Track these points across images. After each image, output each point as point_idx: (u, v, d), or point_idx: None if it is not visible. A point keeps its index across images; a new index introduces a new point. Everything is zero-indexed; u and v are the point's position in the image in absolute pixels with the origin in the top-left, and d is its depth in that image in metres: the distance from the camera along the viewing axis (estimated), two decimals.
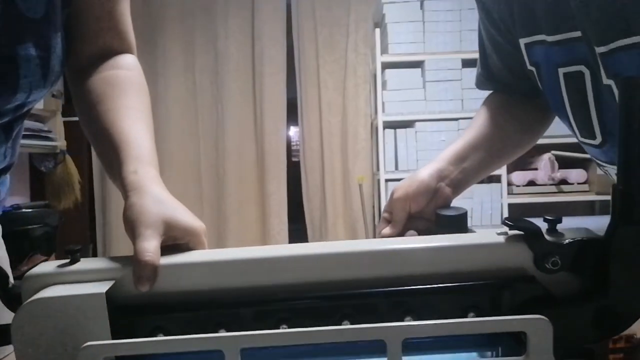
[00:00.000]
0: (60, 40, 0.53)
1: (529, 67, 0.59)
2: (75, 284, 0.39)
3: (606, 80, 0.49)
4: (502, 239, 0.41)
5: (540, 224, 0.41)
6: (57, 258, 0.42)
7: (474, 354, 0.42)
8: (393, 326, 0.34)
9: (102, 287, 0.37)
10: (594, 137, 0.53)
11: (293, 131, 2.85)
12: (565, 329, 0.37)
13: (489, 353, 0.42)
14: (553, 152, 2.27)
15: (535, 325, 0.33)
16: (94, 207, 2.70)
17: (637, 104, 0.35)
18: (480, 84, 0.70)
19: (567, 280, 0.40)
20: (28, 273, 0.39)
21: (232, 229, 2.66)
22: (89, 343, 0.33)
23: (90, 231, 2.69)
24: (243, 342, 0.33)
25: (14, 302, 0.38)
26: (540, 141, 2.49)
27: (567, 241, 0.39)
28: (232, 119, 2.70)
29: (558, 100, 0.55)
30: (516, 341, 0.37)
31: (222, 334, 0.34)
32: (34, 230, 1.86)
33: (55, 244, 1.95)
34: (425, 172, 0.59)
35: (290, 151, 2.83)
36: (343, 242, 0.42)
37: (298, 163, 2.76)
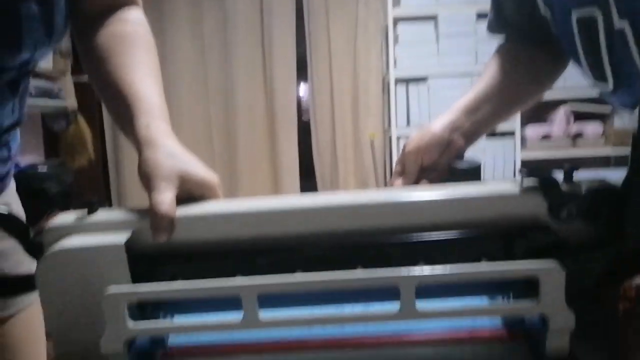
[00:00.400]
0: None
1: (543, 10, 0.57)
2: (94, 234, 0.40)
3: (618, 24, 0.47)
4: (517, 188, 0.41)
5: (556, 176, 0.41)
6: None
7: (485, 299, 0.43)
8: (407, 273, 0.34)
9: (122, 237, 0.38)
10: (606, 82, 0.52)
11: (303, 88, 2.82)
12: (577, 276, 0.37)
13: (500, 298, 0.42)
14: (569, 105, 2.22)
15: (547, 270, 0.34)
16: (107, 166, 2.73)
17: None
18: (492, 28, 0.69)
19: (582, 229, 0.39)
20: (49, 223, 0.40)
21: (245, 188, 2.69)
22: (112, 288, 0.35)
23: (105, 189, 2.74)
24: (260, 288, 0.34)
25: (36, 251, 0.40)
26: (557, 94, 2.40)
27: (583, 191, 0.39)
28: (241, 77, 2.67)
29: (571, 45, 0.54)
30: (527, 287, 0.37)
31: (240, 280, 0.35)
32: (50, 188, 1.89)
33: (72, 201, 1.99)
34: (438, 124, 0.58)
35: (300, 109, 2.81)
36: (357, 193, 0.42)
37: (308, 121, 2.74)
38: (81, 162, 2.27)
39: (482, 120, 0.59)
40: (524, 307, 0.35)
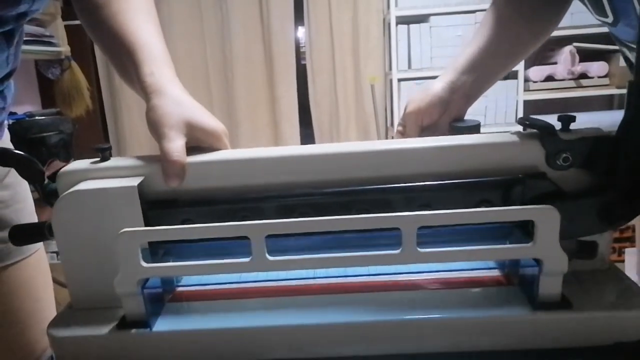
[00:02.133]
0: None
1: None
2: (107, 179, 0.41)
3: None
4: (515, 137, 0.41)
5: (555, 122, 0.41)
6: None
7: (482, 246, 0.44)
8: (408, 215, 0.35)
9: (134, 181, 0.39)
10: (606, 16, 0.52)
11: (301, 32, 2.73)
12: (573, 221, 0.38)
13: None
14: (575, 44, 2.17)
15: (543, 214, 0.35)
16: (104, 114, 2.70)
17: None
18: None
19: (578, 177, 0.41)
20: (63, 169, 0.41)
21: (245, 134, 2.67)
22: (125, 229, 0.36)
23: (104, 139, 2.72)
24: (268, 229, 0.35)
25: (51, 196, 0.41)
26: (562, 33, 2.32)
27: (578, 138, 0.40)
28: (237, 19, 2.59)
29: None
30: (522, 235, 0.39)
31: (249, 222, 0.36)
32: (49, 137, 1.88)
33: (72, 151, 1.99)
34: (438, 84, 0.58)
35: (299, 53, 2.74)
36: (360, 142, 0.43)
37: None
38: (79, 112, 2.24)
39: (482, 78, 0.59)
40: (520, 250, 0.36)
